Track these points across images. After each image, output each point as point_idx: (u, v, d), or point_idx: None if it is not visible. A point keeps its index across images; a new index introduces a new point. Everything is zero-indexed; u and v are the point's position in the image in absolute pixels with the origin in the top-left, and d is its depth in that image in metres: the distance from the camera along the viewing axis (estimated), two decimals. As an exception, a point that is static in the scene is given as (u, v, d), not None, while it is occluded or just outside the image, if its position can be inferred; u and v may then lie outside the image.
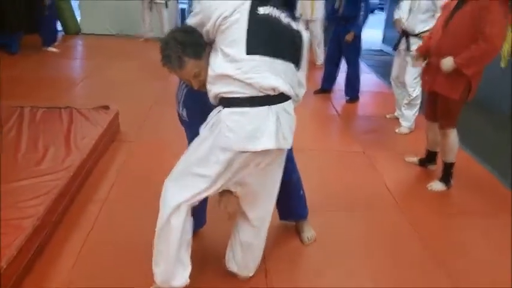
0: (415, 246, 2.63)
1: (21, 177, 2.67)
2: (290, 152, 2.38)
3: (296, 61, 1.86)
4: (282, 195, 2.41)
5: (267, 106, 1.75)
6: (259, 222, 2.09)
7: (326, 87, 5.64)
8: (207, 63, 1.80)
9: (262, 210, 2.07)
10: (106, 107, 3.93)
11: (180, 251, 1.93)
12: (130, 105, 4.44)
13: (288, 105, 1.84)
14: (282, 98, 1.79)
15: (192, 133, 1.97)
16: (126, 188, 3.02)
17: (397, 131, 4.42)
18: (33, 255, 2.23)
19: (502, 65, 5.13)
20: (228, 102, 1.76)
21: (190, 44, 1.78)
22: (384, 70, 6.77)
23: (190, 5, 8.79)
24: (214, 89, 1.78)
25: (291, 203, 2.53)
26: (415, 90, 4.28)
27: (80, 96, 4.87)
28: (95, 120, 3.63)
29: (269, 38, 1.76)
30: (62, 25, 8.21)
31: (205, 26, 1.76)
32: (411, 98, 4.32)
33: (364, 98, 5.45)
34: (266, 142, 1.75)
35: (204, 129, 1.85)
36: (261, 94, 1.74)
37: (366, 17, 5.01)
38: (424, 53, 3.30)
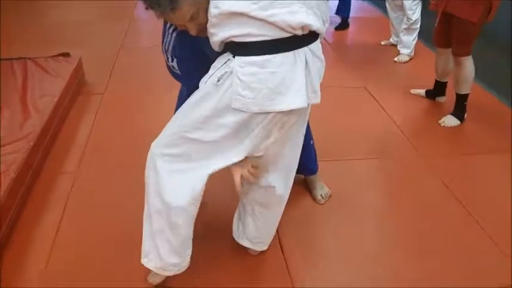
0: (439, 194, 2.32)
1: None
2: None
3: None
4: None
5: (294, 51, 1.28)
6: (281, 189, 1.67)
7: None
8: (206, 4, 1.28)
9: (283, 176, 1.66)
10: (66, 54, 3.38)
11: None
12: (94, 50, 3.89)
13: (317, 46, 1.37)
14: (311, 38, 1.32)
15: (190, 90, 1.51)
16: (100, 154, 2.57)
17: (396, 59, 4.01)
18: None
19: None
20: (242, 48, 1.27)
21: None
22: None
23: None
24: (222, 33, 1.27)
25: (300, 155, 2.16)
26: (415, 13, 3.84)
27: (32, 42, 4.22)
28: (54, 71, 3.13)
29: None
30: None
31: None
32: (410, 22, 3.87)
33: (353, 24, 4.95)
34: (294, 99, 1.30)
35: (205, 84, 1.37)
36: (285, 35, 1.25)
37: None
38: None
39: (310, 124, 2.12)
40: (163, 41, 1.64)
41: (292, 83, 1.28)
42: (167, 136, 1.47)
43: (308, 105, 1.42)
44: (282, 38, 1.25)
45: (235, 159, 1.44)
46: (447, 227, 2.10)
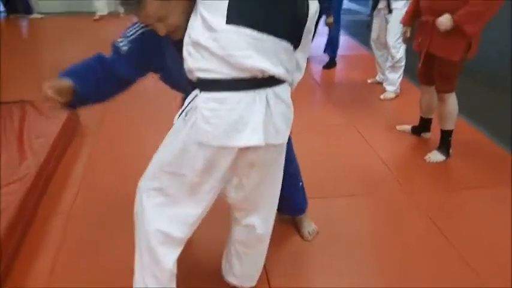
0: (424, 229, 2.37)
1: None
2: (288, 140, 2.06)
3: (295, 39, 1.42)
4: (284, 186, 2.12)
5: (254, 90, 1.34)
6: (261, 228, 1.73)
7: None
8: (177, 8, 1.35)
9: (263, 215, 1.71)
10: (62, 98, 3.46)
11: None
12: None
13: (283, 90, 1.42)
14: (274, 81, 1.38)
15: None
16: (94, 194, 2.62)
17: (382, 97, 4.14)
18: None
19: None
20: (205, 84, 1.34)
21: None
22: (355, 30, 6.46)
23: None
24: (190, 62, 1.34)
25: (289, 196, 2.20)
26: (399, 51, 3.99)
27: (28, 86, 4.30)
28: (50, 114, 3.19)
29: (260, 7, 1.31)
30: (5, 4, 7.50)
31: None
32: (395, 60, 4.02)
33: (340, 62, 5.12)
34: (251, 136, 1.35)
35: (178, 119, 1.44)
36: (245, 75, 1.32)
37: None
38: (411, 21, 3.06)
39: (298, 162, 2.20)
40: (128, 28, 1.63)
41: (250, 121, 1.33)
42: (149, 170, 1.55)
43: (282, 147, 1.52)
44: (241, 78, 1.31)
45: (211, 198, 1.52)
46: (430, 261, 2.14)
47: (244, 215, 1.68)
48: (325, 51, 5.11)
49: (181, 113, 1.42)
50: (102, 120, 3.55)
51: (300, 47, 1.46)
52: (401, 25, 3.26)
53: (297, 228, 2.34)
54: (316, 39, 5.27)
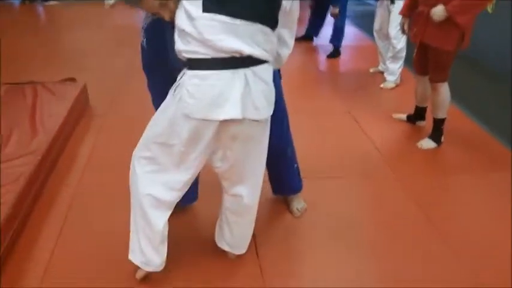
0: (411, 211, 2.49)
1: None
2: (286, 121, 2.20)
3: (270, 20, 1.55)
4: (276, 169, 2.27)
5: (232, 70, 1.50)
6: (248, 198, 1.88)
7: (310, 34, 5.63)
8: None
9: (249, 186, 1.86)
10: (72, 80, 3.65)
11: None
12: (99, 76, 4.15)
13: (262, 70, 1.57)
14: (253, 61, 1.53)
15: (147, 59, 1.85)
16: (100, 169, 2.79)
17: (382, 86, 4.25)
18: (6, 248, 2.03)
19: (489, 10, 4.93)
20: (190, 63, 1.52)
21: None
22: (362, 21, 6.51)
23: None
24: (178, 45, 1.53)
25: (284, 177, 2.37)
26: (400, 42, 4.09)
27: (42, 69, 4.49)
28: (61, 94, 3.38)
29: None
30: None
31: None
32: (396, 50, 4.13)
33: (345, 52, 5.23)
34: (230, 111, 1.51)
35: (169, 94, 1.63)
36: (225, 55, 1.48)
37: None
38: (409, 12, 3.15)
39: (295, 147, 2.34)
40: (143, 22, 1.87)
41: (230, 97, 1.50)
42: (142, 142, 1.73)
43: (265, 123, 1.68)
44: (222, 58, 1.48)
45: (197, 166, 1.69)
46: (413, 241, 2.27)
47: (231, 185, 1.84)
48: (330, 41, 5.22)
49: (172, 89, 1.58)
50: (110, 102, 3.72)
51: (280, 24, 1.61)
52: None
53: (287, 204, 2.47)
54: (323, 29, 5.44)
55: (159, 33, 1.75)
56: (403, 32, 3.34)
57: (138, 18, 1.84)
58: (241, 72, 1.51)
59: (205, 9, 1.44)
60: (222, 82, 1.49)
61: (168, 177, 1.70)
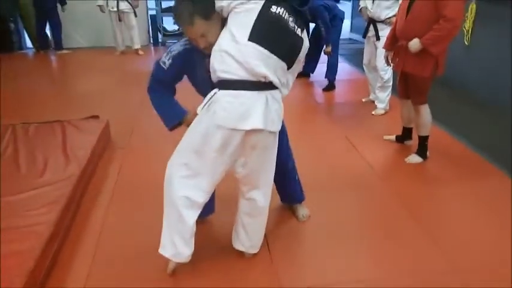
0: (401, 215, 2.86)
1: (27, 189, 2.81)
2: (286, 139, 2.61)
3: (290, 63, 2.04)
4: (280, 179, 2.64)
5: (258, 91, 1.95)
6: (261, 201, 2.27)
7: (307, 71, 6.11)
8: (215, 29, 2.00)
9: (262, 190, 2.25)
10: (96, 117, 4.07)
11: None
12: (116, 114, 4.54)
13: (277, 93, 2.04)
14: (271, 86, 2.00)
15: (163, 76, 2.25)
16: (126, 191, 3.18)
17: (373, 113, 4.68)
18: (51, 260, 2.37)
19: (466, 42, 5.44)
20: (224, 84, 1.96)
21: (201, 5, 1.97)
22: (355, 58, 7.03)
23: (159, 10, 8.84)
24: (216, 64, 1.97)
25: (288, 187, 2.75)
26: (387, 73, 4.53)
27: (64, 109, 4.96)
28: (87, 130, 3.77)
29: (272, 34, 1.95)
30: (32, 41, 8.26)
31: (221, 2, 1.96)
32: (384, 80, 4.57)
33: (339, 86, 5.70)
34: (255, 122, 1.94)
35: (200, 111, 2.04)
36: (253, 79, 1.93)
37: (327, 26, 5.27)
38: (391, 46, 3.56)
39: (296, 165, 2.73)
40: (172, 46, 2.28)
41: (254, 112, 1.95)
42: (177, 151, 2.13)
43: (276, 135, 2.11)
44: (250, 80, 1.94)
45: (223, 171, 2.09)
46: (401, 241, 2.63)
47: (248, 190, 2.23)
48: (326, 76, 5.68)
49: (203, 106, 2.01)
50: (130, 136, 4.14)
51: (291, 69, 2.10)
52: (386, 50, 3.81)
53: (293, 212, 2.83)
54: (318, 66, 5.94)
55: (187, 60, 2.18)
56: (388, 63, 3.77)
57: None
58: (263, 93, 1.96)
59: (251, 38, 1.90)
60: (250, 101, 1.94)
61: (199, 181, 2.08)
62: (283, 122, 2.53)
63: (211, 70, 2.01)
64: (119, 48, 7.94)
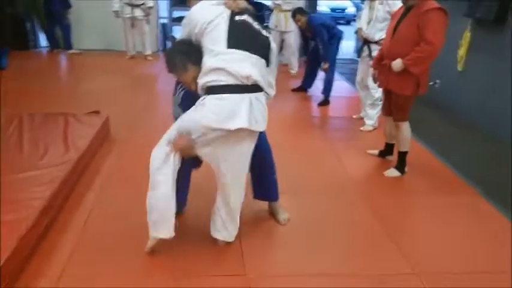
0: (370, 220, 3.06)
1: (27, 169, 3.07)
2: (263, 136, 2.75)
3: (266, 59, 2.32)
4: (257, 174, 2.85)
5: (242, 94, 2.20)
6: (234, 188, 2.48)
7: (304, 86, 6.37)
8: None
9: (235, 177, 2.45)
10: (97, 112, 4.33)
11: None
12: (119, 111, 4.80)
13: (261, 96, 2.30)
14: (255, 88, 2.25)
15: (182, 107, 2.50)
16: (118, 179, 3.42)
17: (361, 128, 4.89)
18: (42, 232, 2.62)
19: (459, 68, 5.67)
20: (211, 90, 2.20)
21: (193, 54, 2.28)
22: (354, 77, 7.26)
23: (170, 20, 9.19)
24: (202, 81, 2.23)
25: (264, 183, 2.93)
26: (377, 92, 4.75)
27: (70, 104, 5.22)
28: (88, 123, 4.03)
29: (245, 38, 2.24)
30: (49, 41, 8.60)
31: (193, 32, 2.26)
32: (374, 98, 4.80)
33: (335, 102, 5.93)
34: (240, 122, 2.18)
35: (190, 111, 2.31)
36: (238, 83, 2.19)
37: (325, 44, 5.57)
38: (378, 65, 3.76)
39: (278, 168, 2.92)
40: (174, 98, 2.60)
41: (239, 112, 2.18)
42: (167, 135, 2.39)
43: (255, 133, 2.34)
44: (235, 84, 2.19)
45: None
46: (369, 246, 2.84)
47: (221, 184, 2.47)
48: (322, 91, 5.92)
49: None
50: (129, 132, 4.38)
51: (269, 70, 2.39)
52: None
53: (273, 214, 3.02)
54: (316, 83, 6.21)
55: (192, 102, 2.40)
56: (375, 81, 3.99)
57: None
58: (247, 96, 2.21)
59: (230, 45, 2.20)
60: (235, 102, 2.19)
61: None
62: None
63: (198, 89, 2.27)
64: (129, 53, 8.23)
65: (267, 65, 2.35)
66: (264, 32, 2.36)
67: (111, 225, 2.82)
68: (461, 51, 5.63)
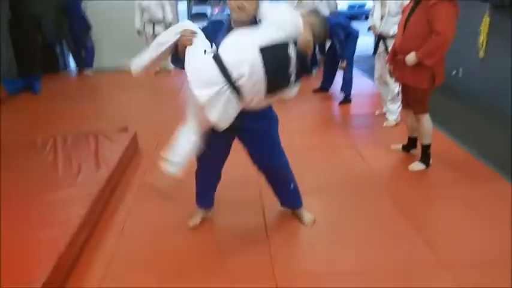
0: (398, 215, 3.11)
1: (64, 187, 3.25)
2: (282, 154, 2.86)
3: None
4: (275, 188, 2.98)
5: None
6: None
7: (325, 86, 6.45)
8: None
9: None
10: (125, 129, 4.50)
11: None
12: (146, 126, 4.98)
13: None
14: None
15: None
16: (149, 193, 3.52)
17: (384, 124, 4.91)
18: (80, 247, 2.78)
19: (480, 55, 5.62)
20: None
21: None
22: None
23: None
24: None
25: (283, 194, 3.03)
26: (397, 86, 4.76)
27: (100, 122, 5.42)
28: (117, 140, 4.20)
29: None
30: (76, 62, 8.93)
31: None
32: (394, 93, 4.81)
33: (356, 99, 5.96)
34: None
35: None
36: None
37: (342, 43, 5.62)
38: (392, 60, 3.80)
39: (301, 169, 3.02)
40: None
41: None
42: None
43: None
44: None
45: None
46: (394, 240, 2.88)
47: None
48: (341, 90, 5.97)
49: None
50: (156, 145, 4.53)
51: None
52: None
53: (298, 218, 3.07)
54: (336, 81, 6.26)
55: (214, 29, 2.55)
56: (391, 76, 4.02)
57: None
58: None
59: None
60: None
61: None
62: (273, 128, 2.79)
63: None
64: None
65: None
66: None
67: (145, 239, 2.95)
68: (482, 38, 5.58)
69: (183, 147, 2.54)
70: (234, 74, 2.25)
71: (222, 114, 2.31)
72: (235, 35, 2.35)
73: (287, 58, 2.33)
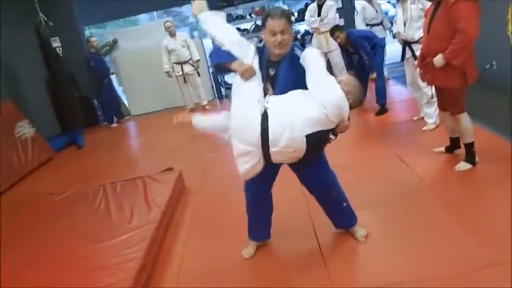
0: (448, 217, 3.06)
1: (119, 234, 3.39)
2: (329, 170, 2.91)
3: None
4: (326, 208, 3.01)
5: None
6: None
7: None
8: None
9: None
10: (170, 169, 4.65)
11: None
12: (189, 164, 5.11)
13: None
14: None
15: None
16: (200, 229, 3.65)
17: (424, 128, 4.85)
18: (142, 288, 2.88)
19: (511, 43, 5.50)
20: None
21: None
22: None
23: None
24: None
25: (335, 213, 3.04)
26: (430, 90, 4.71)
27: (145, 166, 5.64)
28: (163, 181, 4.35)
29: None
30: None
31: None
32: (429, 96, 4.76)
33: (393, 107, 5.94)
34: None
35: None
36: None
37: (369, 55, 5.64)
38: (421, 63, 3.79)
39: (348, 184, 3.02)
40: None
41: None
42: None
43: None
44: None
45: None
46: (446, 237, 2.85)
47: None
48: (376, 101, 5.95)
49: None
50: (201, 182, 4.66)
51: None
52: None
53: (351, 235, 3.06)
54: (368, 93, 6.25)
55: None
56: (422, 80, 4.00)
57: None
58: None
59: None
60: None
61: None
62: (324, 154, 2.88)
63: None
64: (188, 107, 8.69)
65: None
66: None
67: (204, 275, 3.01)
68: (510, 27, 5.47)
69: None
70: (272, 140, 2.46)
71: (248, 171, 2.57)
72: (288, 97, 2.57)
73: (328, 139, 2.60)
